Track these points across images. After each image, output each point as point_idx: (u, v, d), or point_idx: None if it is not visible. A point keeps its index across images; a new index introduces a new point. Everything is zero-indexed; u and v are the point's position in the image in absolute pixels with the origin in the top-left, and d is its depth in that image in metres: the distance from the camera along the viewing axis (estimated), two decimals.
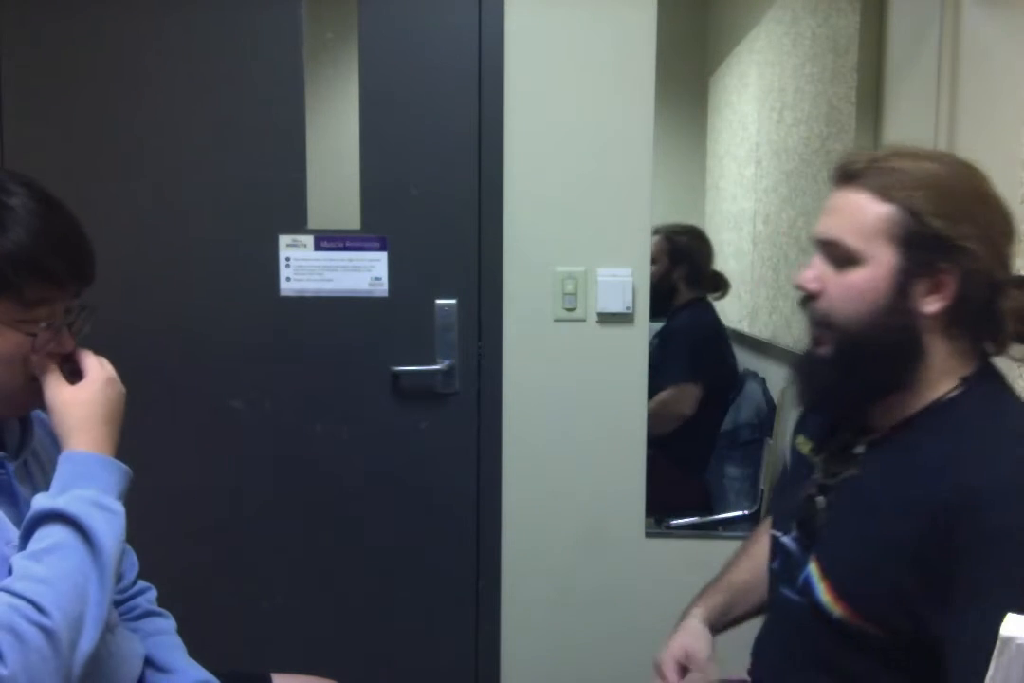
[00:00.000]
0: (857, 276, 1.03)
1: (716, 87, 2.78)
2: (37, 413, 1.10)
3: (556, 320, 2.02)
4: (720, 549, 2.07)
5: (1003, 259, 1.03)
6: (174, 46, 2.00)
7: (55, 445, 1.04)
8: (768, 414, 2.36)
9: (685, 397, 2.28)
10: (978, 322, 1.03)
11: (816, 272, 1.07)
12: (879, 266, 1.02)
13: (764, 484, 2.25)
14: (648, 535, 2.05)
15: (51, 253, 0.96)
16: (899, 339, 1.02)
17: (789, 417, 2.29)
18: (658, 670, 1.24)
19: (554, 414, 2.03)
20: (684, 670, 1.21)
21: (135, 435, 2.18)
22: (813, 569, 1.07)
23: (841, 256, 1.04)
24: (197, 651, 1.26)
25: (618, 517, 2.04)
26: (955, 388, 1.03)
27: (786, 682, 1.13)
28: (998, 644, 0.62)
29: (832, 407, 1.14)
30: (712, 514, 2.32)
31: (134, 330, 2.01)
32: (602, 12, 1.96)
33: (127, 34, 2.00)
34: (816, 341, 1.09)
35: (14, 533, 0.97)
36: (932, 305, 1.01)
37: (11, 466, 1.02)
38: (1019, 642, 0.61)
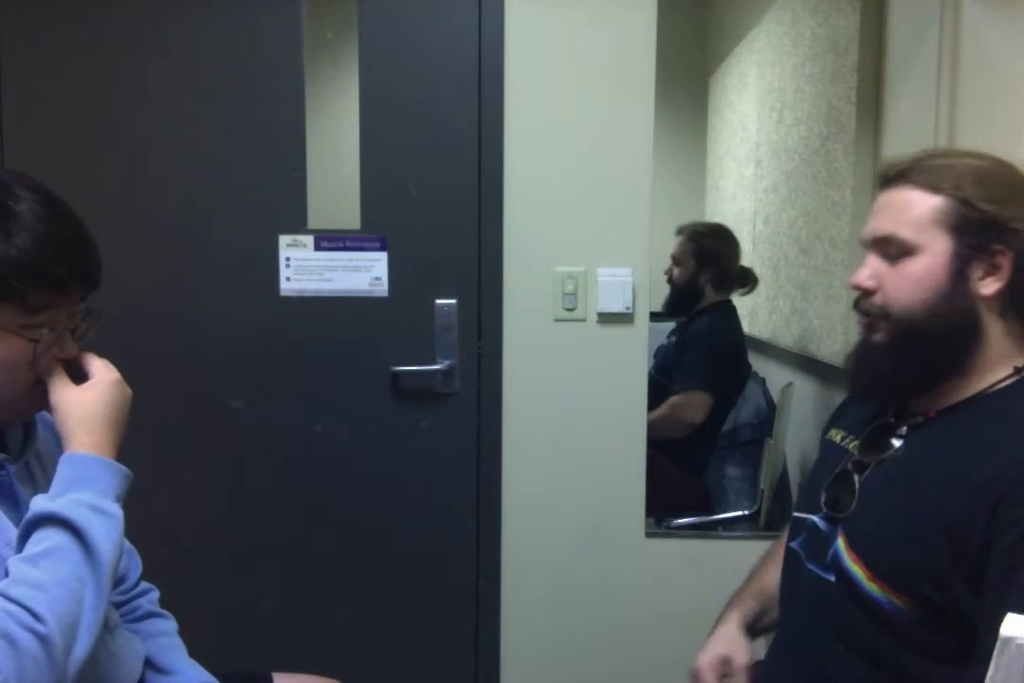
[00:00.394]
0: (914, 266, 1.06)
1: (716, 87, 2.78)
2: (42, 414, 1.10)
3: (556, 320, 2.02)
4: (720, 549, 2.09)
5: None
6: (174, 46, 2.00)
7: (59, 446, 1.03)
8: (768, 414, 2.36)
9: (695, 404, 2.28)
10: None
11: (871, 270, 1.09)
12: (935, 254, 1.05)
13: (764, 484, 2.25)
14: (648, 535, 2.05)
15: (56, 260, 0.94)
16: (958, 322, 1.05)
17: (789, 417, 2.30)
18: (696, 679, 1.24)
19: (554, 414, 2.03)
20: (723, 676, 1.22)
21: (135, 435, 2.17)
22: (841, 543, 1.08)
23: (896, 250, 1.07)
24: (196, 651, 1.26)
25: (618, 517, 2.04)
26: (1009, 377, 1.05)
27: (808, 660, 1.13)
28: (998, 644, 0.62)
29: (889, 393, 1.15)
30: (712, 514, 2.32)
31: (134, 330, 2.01)
32: (602, 12, 1.96)
33: (127, 34, 2.00)
34: (870, 328, 1.11)
35: (13, 534, 0.96)
36: (990, 287, 1.04)
37: (12, 468, 1.02)
38: (1019, 642, 0.61)
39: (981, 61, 1.71)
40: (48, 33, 1.99)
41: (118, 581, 1.19)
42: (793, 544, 1.19)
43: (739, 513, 2.28)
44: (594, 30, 1.96)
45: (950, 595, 0.98)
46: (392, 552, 2.06)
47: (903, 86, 1.96)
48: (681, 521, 2.22)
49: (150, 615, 1.26)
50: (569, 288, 2.01)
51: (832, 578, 1.09)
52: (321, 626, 2.07)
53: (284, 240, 2.02)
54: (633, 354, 2.02)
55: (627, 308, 2.00)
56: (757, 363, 2.55)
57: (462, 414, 2.03)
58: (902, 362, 1.07)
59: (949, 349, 1.05)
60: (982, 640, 0.94)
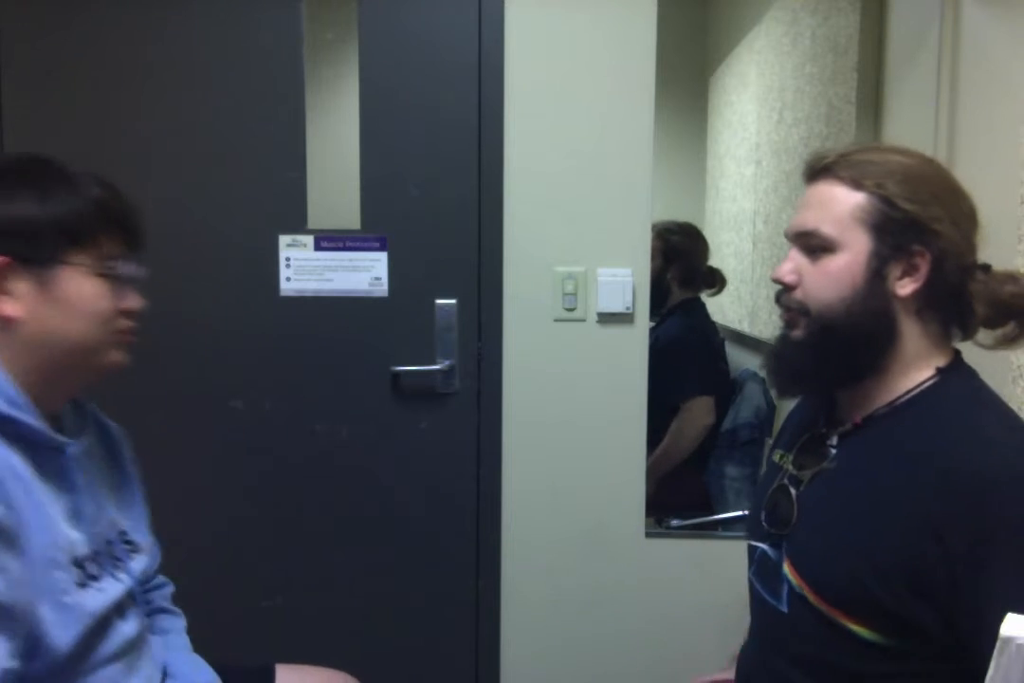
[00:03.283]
0: (834, 263, 1.05)
1: (716, 87, 2.78)
2: (94, 410, 1.17)
3: (556, 320, 2.02)
4: (720, 549, 2.09)
5: (971, 244, 1.06)
6: (174, 46, 2.00)
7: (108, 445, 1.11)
8: (768, 414, 2.36)
9: (703, 408, 2.28)
10: (949, 305, 1.06)
11: (793, 265, 1.09)
12: (855, 252, 1.04)
13: None
14: (648, 535, 2.05)
15: (124, 210, 1.10)
16: (874, 322, 1.05)
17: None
18: None
19: (554, 414, 2.03)
20: None
21: (135, 435, 2.18)
22: (787, 568, 1.08)
23: (817, 245, 1.07)
24: (198, 649, 1.27)
25: (618, 517, 2.04)
26: (930, 379, 1.05)
27: None
28: (998, 644, 0.62)
29: (806, 389, 1.16)
30: (712, 514, 2.32)
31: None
32: (602, 12, 1.96)
33: (127, 34, 2.00)
34: (789, 325, 1.11)
35: (63, 536, 0.97)
36: (906, 287, 1.04)
37: (72, 450, 1.04)
38: (1019, 642, 0.61)
39: (981, 61, 1.70)
40: (48, 33, 1.99)
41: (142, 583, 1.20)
42: (749, 573, 1.19)
43: (739, 513, 2.28)
44: (594, 30, 1.96)
45: (898, 612, 0.97)
46: (392, 552, 2.06)
47: (903, 86, 1.96)
48: (681, 521, 2.21)
49: (161, 611, 1.27)
50: (569, 288, 2.01)
51: (784, 608, 1.08)
52: (321, 626, 2.07)
53: (284, 240, 2.02)
54: (633, 354, 2.02)
55: (627, 308, 2.00)
56: (757, 363, 2.55)
57: (462, 414, 2.03)
58: (819, 359, 1.07)
59: (865, 348, 1.05)
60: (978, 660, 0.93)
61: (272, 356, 2.04)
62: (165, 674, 1.18)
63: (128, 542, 1.15)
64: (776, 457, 1.21)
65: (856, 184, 1.04)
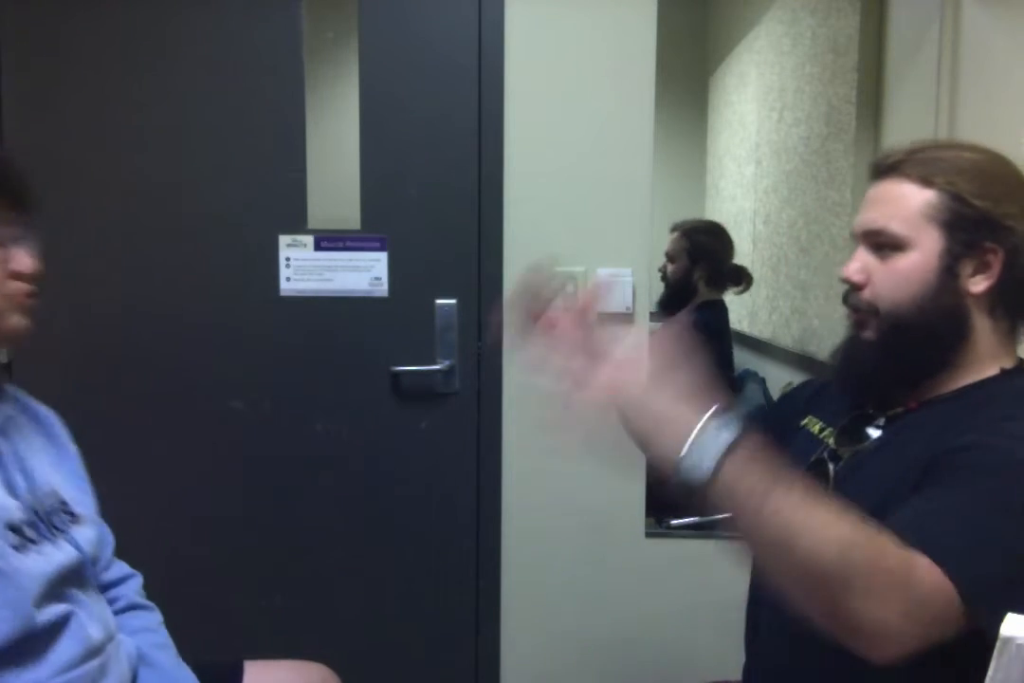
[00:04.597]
0: (905, 261, 1.04)
1: (716, 87, 2.78)
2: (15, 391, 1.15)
3: None
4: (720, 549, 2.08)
5: None
6: (174, 46, 2.00)
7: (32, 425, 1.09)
8: None
9: None
10: (1021, 302, 1.05)
11: (861, 264, 1.08)
12: (926, 250, 1.03)
13: None
14: (648, 535, 2.05)
15: (5, 172, 1.06)
16: (947, 320, 1.04)
17: None
18: None
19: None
20: None
21: (136, 435, 2.18)
22: None
23: (887, 244, 1.05)
24: (193, 648, 1.26)
25: (618, 517, 2.04)
26: (994, 377, 1.05)
27: (788, 680, 1.13)
28: (998, 644, 0.62)
29: (877, 390, 1.13)
30: (712, 514, 2.32)
31: (134, 330, 2.01)
32: (602, 12, 1.96)
33: (127, 34, 1.99)
34: (859, 325, 1.09)
35: None
36: (979, 284, 1.03)
37: None
38: (1019, 642, 0.61)
39: (981, 61, 1.71)
40: (48, 33, 1.99)
41: (94, 561, 1.17)
42: None
43: None
44: (594, 30, 1.96)
45: None
46: (392, 551, 2.06)
47: (903, 86, 1.96)
48: (681, 521, 2.21)
49: (133, 607, 1.24)
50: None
51: None
52: (321, 625, 2.07)
53: (284, 240, 2.02)
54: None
55: (627, 308, 2.00)
56: (757, 363, 2.55)
57: (462, 414, 2.04)
58: (890, 360, 1.06)
59: (937, 346, 1.05)
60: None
61: (272, 356, 2.04)
62: (149, 667, 1.17)
63: (69, 513, 1.14)
64: (814, 428, 1.20)
65: (926, 181, 1.03)
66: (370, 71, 1.99)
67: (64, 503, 1.13)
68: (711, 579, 2.04)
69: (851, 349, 1.12)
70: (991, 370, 1.05)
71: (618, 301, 1.99)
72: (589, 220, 2.00)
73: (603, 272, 2.00)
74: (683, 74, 2.53)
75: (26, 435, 1.14)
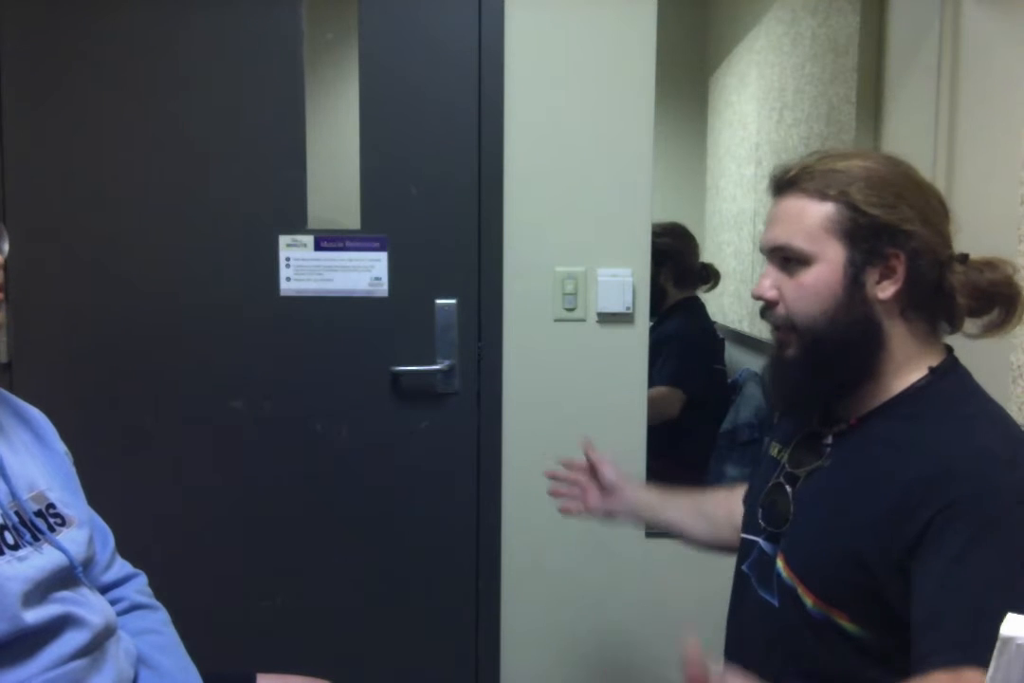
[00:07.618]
0: (811, 275, 1.07)
1: (716, 87, 2.78)
2: None
3: (556, 320, 2.02)
4: None
5: (944, 237, 1.07)
6: (174, 46, 2.00)
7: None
8: (767, 414, 2.36)
9: (667, 399, 2.28)
10: (931, 301, 1.07)
11: (771, 280, 1.11)
12: (830, 262, 1.06)
13: None
14: (648, 535, 2.05)
15: None
16: (861, 329, 1.06)
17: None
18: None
19: (554, 414, 2.03)
20: None
21: (136, 435, 2.18)
22: (780, 563, 1.08)
23: (792, 259, 1.08)
24: (194, 651, 1.26)
25: None
26: (923, 378, 1.06)
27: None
28: (998, 644, 0.62)
29: (806, 406, 1.16)
30: None
31: (134, 330, 2.01)
32: (602, 12, 1.96)
33: (127, 34, 1.99)
34: (781, 344, 1.12)
35: None
36: (886, 290, 1.05)
37: None
38: (1019, 642, 0.61)
39: (981, 61, 1.71)
40: (48, 33, 1.99)
41: (86, 562, 1.16)
42: (744, 566, 1.19)
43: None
44: (594, 30, 1.96)
45: (882, 604, 0.98)
46: (392, 552, 2.06)
47: (903, 86, 1.96)
48: None
49: (137, 607, 1.23)
50: (569, 288, 2.01)
51: (776, 603, 1.09)
52: (321, 626, 2.07)
53: (284, 240, 2.02)
54: (633, 354, 2.02)
55: (627, 308, 2.00)
56: (757, 363, 2.55)
57: (462, 414, 2.03)
58: (814, 375, 1.09)
59: (856, 356, 1.06)
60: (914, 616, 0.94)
61: (272, 356, 2.04)
62: (154, 669, 1.17)
63: (57, 515, 1.12)
64: (774, 451, 1.22)
65: (822, 195, 1.06)
66: (370, 71, 1.99)
67: (51, 505, 1.12)
68: (711, 579, 2.04)
69: (777, 368, 1.14)
70: (919, 372, 1.07)
71: (618, 301, 2.00)
72: (589, 220, 2.00)
73: (603, 272, 2.00)
74: (683, 74, 2.53)
75: (9, 437, 1.13)
